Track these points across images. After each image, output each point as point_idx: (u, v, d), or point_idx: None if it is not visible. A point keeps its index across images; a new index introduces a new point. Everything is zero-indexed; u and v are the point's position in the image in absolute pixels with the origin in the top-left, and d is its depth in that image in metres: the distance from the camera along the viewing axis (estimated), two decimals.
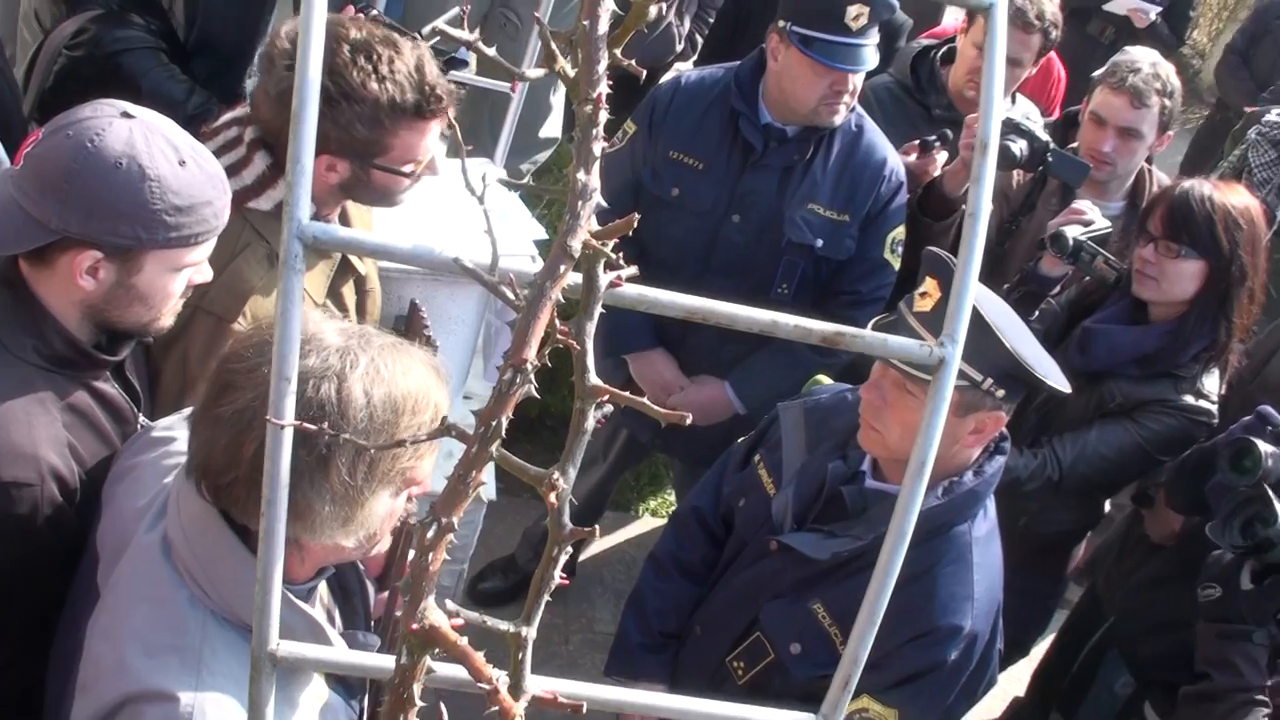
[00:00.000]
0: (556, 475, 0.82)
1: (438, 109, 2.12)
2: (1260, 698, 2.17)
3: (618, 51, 0.85)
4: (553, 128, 3.92)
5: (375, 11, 2.47)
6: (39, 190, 1.71)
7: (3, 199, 1.73)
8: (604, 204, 0.84)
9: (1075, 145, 3.43)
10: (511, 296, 0.84)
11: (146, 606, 1.57)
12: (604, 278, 0.87)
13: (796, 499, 2.13)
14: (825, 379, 2.49)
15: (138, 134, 1.74)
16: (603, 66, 0.84)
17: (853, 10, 2.71)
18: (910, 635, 2.02)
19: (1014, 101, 3.66)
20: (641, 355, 3.19)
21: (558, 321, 0.86)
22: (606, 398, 0.86)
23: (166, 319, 1.89)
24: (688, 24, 4.91)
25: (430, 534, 0.80)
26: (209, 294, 1.99)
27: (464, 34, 0.77)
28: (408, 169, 2.14)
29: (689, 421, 0.92)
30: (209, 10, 3.02)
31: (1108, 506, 3.10)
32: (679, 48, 4.90)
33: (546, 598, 0.92)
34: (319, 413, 1.44)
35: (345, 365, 1.46)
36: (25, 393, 1.77)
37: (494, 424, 0.80)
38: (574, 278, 0.87)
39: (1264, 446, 2.36)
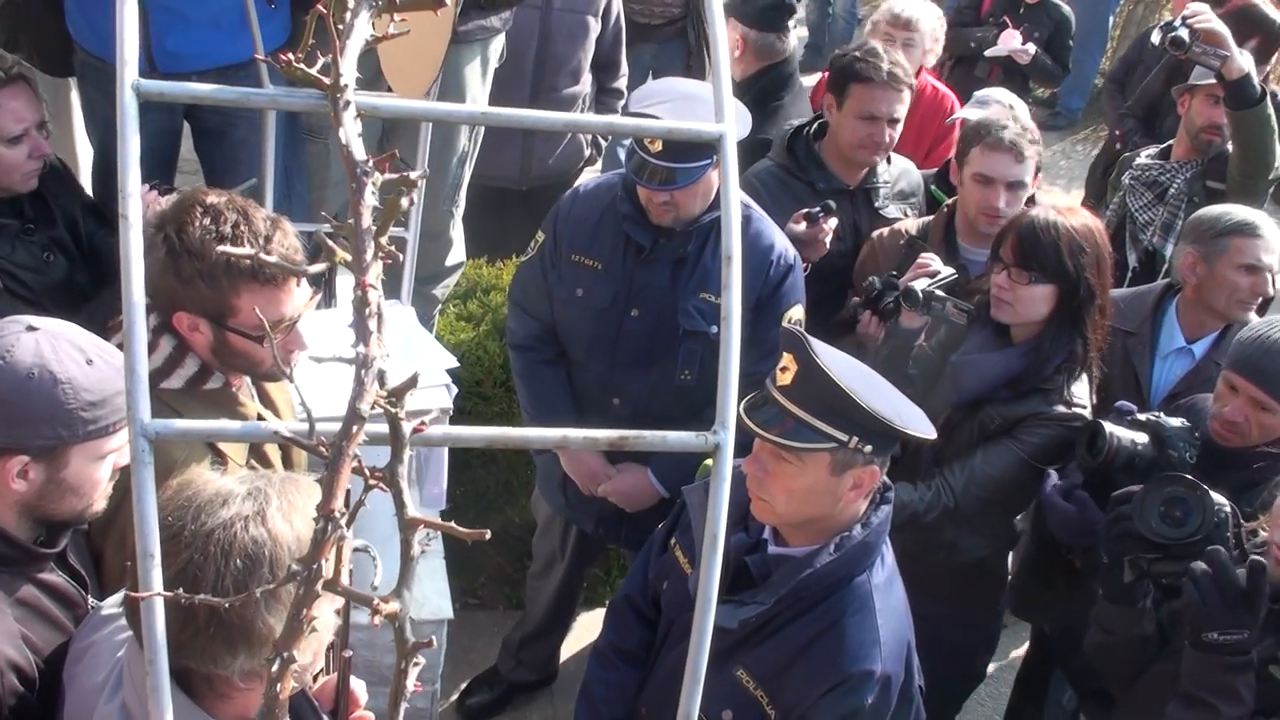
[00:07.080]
0: (377, 600, 0.97)
1: (275, 275, 2.19)
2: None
3: (383, 240, 1.03)
4: (457, 255, 4.11)
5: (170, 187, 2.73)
6: None
7: None
8: (384, 369, 1.00)
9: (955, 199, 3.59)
10: (325, 454, 1.00)
11: None
12: (408, 426, 1.03)
13: None
14: None
15: (44, 343, 1.90)
16: (370, 255, 1.01)
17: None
18: (827, 687, 2.12)
19: (889, 163, 3.85)
20: None
21: (368, 470, 1.01)
22: (422, 527, 1.03)
23: (99, 504, 2.02)
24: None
25: (275, 669, 0.95)
26: None
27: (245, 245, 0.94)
28: (260, 334, 2.20)
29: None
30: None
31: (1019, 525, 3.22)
32: (586, 153, 5.12)
33: (405, 705, 1.07)
34: (256, 549, 1.60)
35: (261, 505, 1.64)
36: None
37: (315, 567, 0.96)
38: (383, 428, 1.03)
39: (1110, 427, 2.50)
